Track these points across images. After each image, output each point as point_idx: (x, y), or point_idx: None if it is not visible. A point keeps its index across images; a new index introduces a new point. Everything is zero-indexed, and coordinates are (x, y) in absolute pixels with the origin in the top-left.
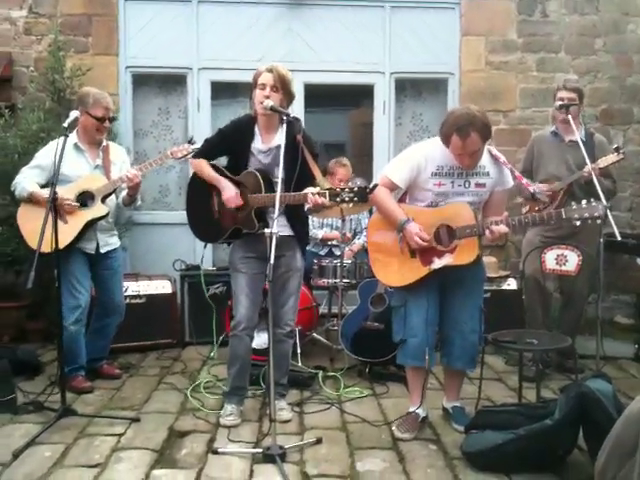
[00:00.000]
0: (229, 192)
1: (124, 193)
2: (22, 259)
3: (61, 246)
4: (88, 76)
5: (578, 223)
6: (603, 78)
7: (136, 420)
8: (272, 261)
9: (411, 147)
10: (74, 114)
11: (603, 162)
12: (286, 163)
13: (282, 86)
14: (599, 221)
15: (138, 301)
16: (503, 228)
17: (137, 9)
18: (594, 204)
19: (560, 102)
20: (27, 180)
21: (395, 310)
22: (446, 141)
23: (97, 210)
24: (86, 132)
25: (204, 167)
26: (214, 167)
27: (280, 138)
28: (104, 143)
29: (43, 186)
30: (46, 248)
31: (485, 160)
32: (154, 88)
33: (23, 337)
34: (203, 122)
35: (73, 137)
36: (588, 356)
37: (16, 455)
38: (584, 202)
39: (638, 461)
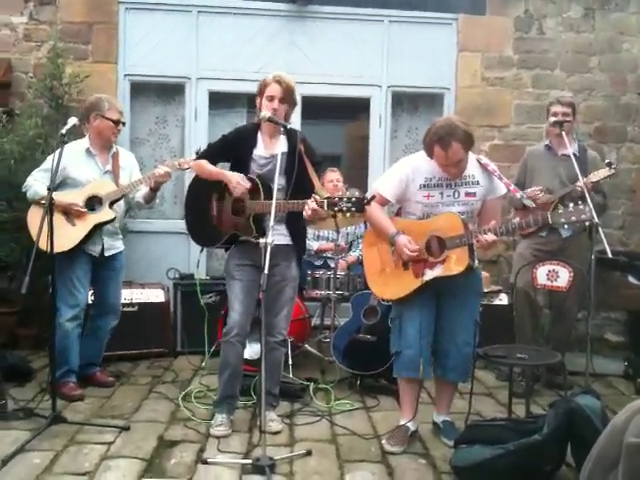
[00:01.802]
0: (234, 179)
1: (145, 190)
2: (15, 265)
3: (67, 248)
4: (86, 83)
5: (565, 226)
6: (597, 96)
7: (126, 429)
8: (266, 271)
9: (399, 161)
10: (72, 121)
11: (595, 176)
12: (286, 170)
13: (289, 97)
14: (586, 223)
15: (131, 309)
16: (490, 236)
17: (138, 18)
18: (581, 207)
19: (554, 118)
20: (38, 183)
21: (392, 322)
22: (429, 152)
23: (104, 214)
24: (100, 136)
25: (205, 165)
26: None
27: (282, 146)
28: (114, 149)
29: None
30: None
31: (474, 169)
32: (152, 97)
33: (14, 343)
34: (200, 131)
35: (85, 142)
36: (578, 372)
37: (5, 462)
38: (571, 205)
39: (621, 471)
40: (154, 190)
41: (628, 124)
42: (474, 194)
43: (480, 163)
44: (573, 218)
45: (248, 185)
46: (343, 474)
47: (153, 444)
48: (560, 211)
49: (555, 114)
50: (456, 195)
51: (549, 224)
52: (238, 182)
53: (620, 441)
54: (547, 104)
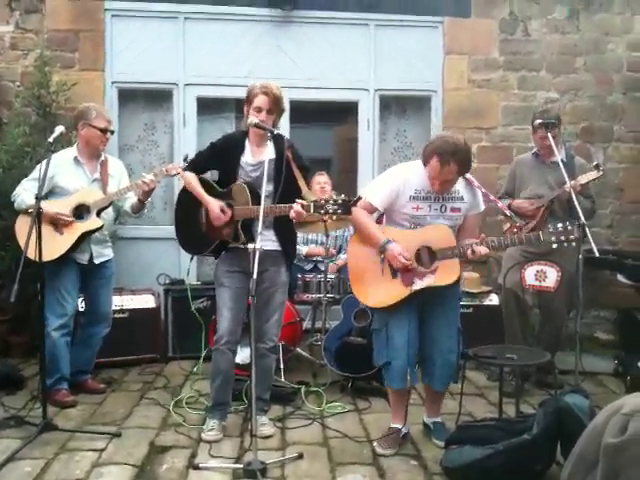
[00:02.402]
0: (214, 211)
1: (133, 200)
2: (5, 273)
3: (55, 256)
4: (74, 91)
5: (555, 246)
6: (583, 96)
7: (117, 435)
8: (255, 276)
9: (389, 170)
10: (59, 129)
11: (584, 178)
12: (274, 177)
13: (276, 107)
14: (574, 244)
15: (121, 315)
16: (484, 249)
17: (124, 25)
18: (569, 228)
19: (540, 121)
20: (26, 192)
21: (376, 333)
22: (426, 160)
23: (91, 223)
24: (88, 145)
25: (192, 182)
26: (203, 181)
27: (269, 153)
28: (102, 157)
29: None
30: (34, 256)
31: (459, 185)
32: (140, 103)
33: (6, 351)
34: (189, 137)
35: (73, 151)
36: (568, 371)
37: None
38: (560, 225)
39: (599, 472)
40: (142, 201)
41: (614, 123)
42: (459, 209)
43: (465, 179)
44: (562, 237)
45: (225, 219)
46: (334, 477)
47: (144, 450)
48: (550, 230)
49: (542, 138)
50: (443, 209)
51: (541, 242)
52: (218, 217)
53: (599, 441)
54: (535, 105)
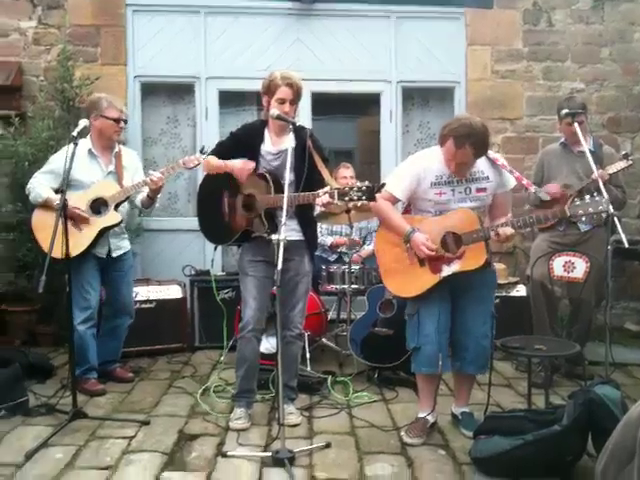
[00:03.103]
0: (237, 165)
1: (143, 195)
2: (33, 264)
3: (75, 253)
4: (97, 85)
5: (584, 219)
6: (609, 86)
7: (146, 423)
8: (280, 267)
9: (408, 159)
10: (83, 122)
11: (612, 168)
12: (295, 165)
13: (299, 98)
14: (604, 215)
15: (148, 306)
16: (508, 230)
17: (145, 20)
18: (597, 199)
19: (566, 111)
20: (41, 185)
21: (408, 318)
22: (442, 142)
23: (110, 218)
24: (101, 136)
25: (212, 161)
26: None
27: (290, 142)
28: (117, 149)
29: (57, 190)
30: (58, 254)
31: (483, 165)
32: (162, 97)
33: (34, 341)
34: (211, 130)
35: (87, 143)
36: (598, 362)
37: (28, 457)
38: (587, 197)
39: (637, 465)
40: (151, 197)
41: None
42: (485, 189)
43: (488, 158)
44: (590, 210)
45: (252, 165)
46: (362, 466)
47: (173, 438)
48: (577, 203)
49: (568, 127)
50: (467, 192)
51: (567, 217)
52: (241, 168)
53: (634, 435)
54: (560, 96)
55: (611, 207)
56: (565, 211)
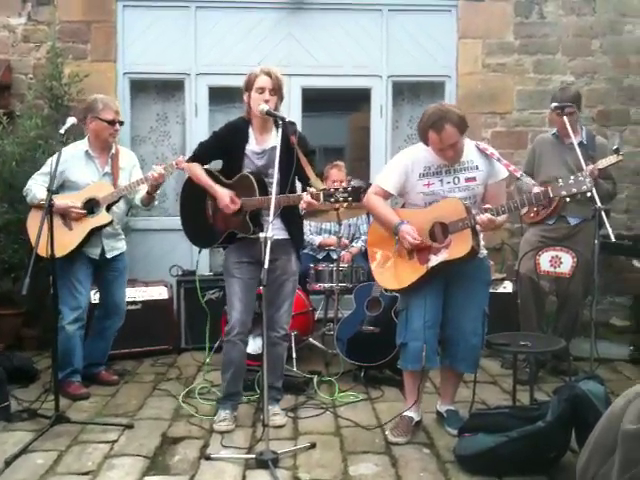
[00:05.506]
0: (224, 200)
1: (142, 193)
2: (19, 266)
3: (65, 252)
4: (86, 83)
5: (567, 200)
6: (600, 79)
7: (129, 427)
8: (266, 266)
9: (398, 154)
10: (71, 120)
11: (603, 163)
12: (281, 164)
13: (279, 89)
14: (589, 194)
15: (134, 307)
16: (486, 215)
17: (135, 15)
18: (580, 178)
19: (555, 104)
20: (38, 187)
21: (399, 313)
22: (424, 139)
23: (101, 218)
24: (98, 138)
25: (198, 173)
26: (208, 172)
27: (275, 140)
28: (113, 150)
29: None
30: (44, 253)
31: (472, 154)
32: (152, 94)
33: (19, 344)
34: (201, 127)
35: (84, 145)
36: (583, 358)
37: (8, 463)
38: (571, 177)
39: (618, 459)
40: (151, 193)
41: (631, 107)
42: (474, 179)
43: (478, 148)
44: (574, 190)
45: (236, 208)
46: (347, 466)
47: (156, 441)
48: (560, 184)
49: (559, 120)
50: (456, 181)
51: (549, 197)
52: (227, 205)
53: (617, 428)
54: (550, 89)
55: (594, 190)
56: (548, 191)
